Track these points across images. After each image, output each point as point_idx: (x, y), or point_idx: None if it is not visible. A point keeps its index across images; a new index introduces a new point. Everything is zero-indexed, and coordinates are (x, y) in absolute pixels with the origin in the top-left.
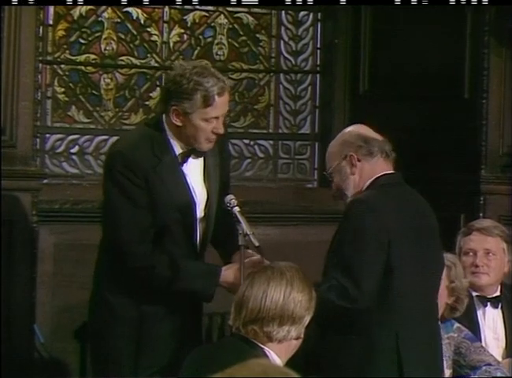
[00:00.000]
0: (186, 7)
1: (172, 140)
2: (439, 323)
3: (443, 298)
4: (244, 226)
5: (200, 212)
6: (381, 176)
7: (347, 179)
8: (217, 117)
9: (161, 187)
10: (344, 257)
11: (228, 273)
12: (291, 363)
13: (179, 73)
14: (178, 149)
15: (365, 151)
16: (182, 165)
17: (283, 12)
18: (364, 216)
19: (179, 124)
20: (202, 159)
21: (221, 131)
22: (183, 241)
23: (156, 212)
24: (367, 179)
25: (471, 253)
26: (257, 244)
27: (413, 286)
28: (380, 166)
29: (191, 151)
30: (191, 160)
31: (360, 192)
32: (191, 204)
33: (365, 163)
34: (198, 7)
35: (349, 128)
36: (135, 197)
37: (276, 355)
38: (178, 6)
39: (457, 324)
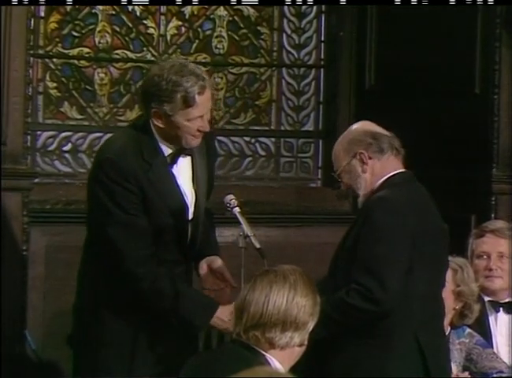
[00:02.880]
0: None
1: (159, 142)
2: (450, 329)
3: (449, 303)
4: (244, 227)
5: (190, 214)
6: (395, 174)
7: (358, 177)
8: (201, 116)
9: (153, 192)
10: (366, 257)
11: (224, 310)
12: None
13: (156, 74)
14: (167, 150)
15: (376, 148)
16: (172, 167)
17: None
18: (388, 215)
19: (161, 126)
20: (190, 160)
21: (207, 129)
22: (174, 245)
23: (150, 218)
24: (379, 178)
25: (484, 256)
26: (258, 246)
27: (428, 287)
28: (391, 163)
29: (180, 151)
30: (180, 160)
31: (372, 191)
32: (183, 207)
33: (375, 160)
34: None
35: (355, 125)
36: (131, 207)
37: (278, 362)
38: (179, 5)
39: (468, 330)
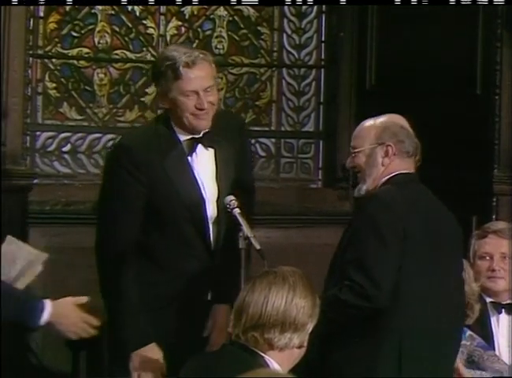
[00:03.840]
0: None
1: (177, 132)
2: None
3: None
4: (245, 228)
5: (213, 209)
6: (398, 173)
7: (375, 167)
8: (195, 92)
9: (167, 181)
10: (360, 255)
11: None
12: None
13: (157, 57)
14: (182, 137)
15: (404, 148)
16: (190, 155)
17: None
18: (380, 213)
19: (166, 106)
20: (212, 153)
21: (204, 105)
22: (195, 241)
23: (164, 209)
24: (388, 174)
25: (487, 257)
26: (258, 247)
27: (422, 289)
28: (407, 165)
29: (196, 139)
30: (200, 152)
31: (376, 186)
32: (199, 200)
33: (397, 158)
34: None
35: (391, 116)
36: (130, 197)
37: (277, 364)
38: (179, 5)
39: (469, 332)
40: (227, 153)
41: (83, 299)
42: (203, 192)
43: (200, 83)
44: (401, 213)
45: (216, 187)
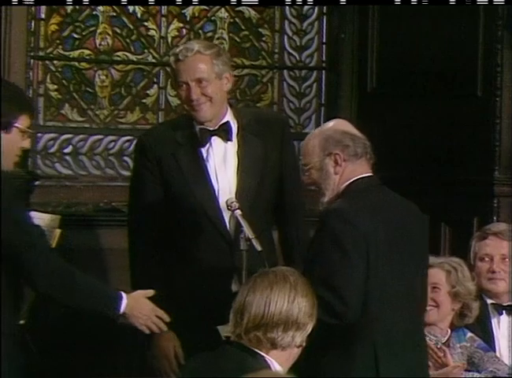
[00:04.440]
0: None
1: (195, 124)
2: (450, 331)
3: (446, 305)
4: (246, 230)
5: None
6: (358, 179)
7: (329, 178)
8: (185, 83)
9: (179, 174)
10: (324, 272)
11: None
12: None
13: None
14: (197, 127)
15: (352, 152)
16: (203, 147)
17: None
18: (341, 228)
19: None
20: (234, 146)
21: (192, 96)
22: (211, 231)
23: (177, 201)
24: (346, 181)
25: (487, 259)
26: (259, 249)
27: (392, 294)
28: (361, 167)
29: (212, 132)
30: (216, 144)
31: (337, 195)
32: (209, 191)
33: (349, 163)
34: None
35: (333, 123)
36: (146, 190)
37: (277, 364)
38: (179, 5)
39: (470, 334)
40: (256, 150)
41: (151, 292)
42: (214, 183)
43: (188, 74)
44: (362, 224)
45: (234, 180)
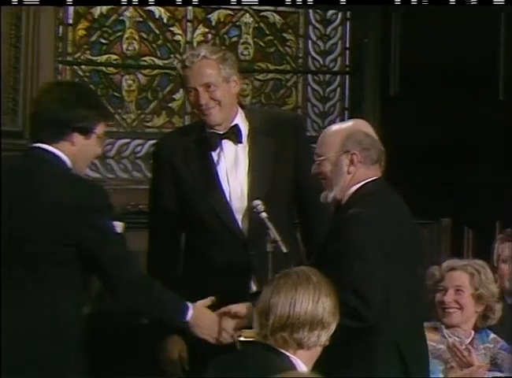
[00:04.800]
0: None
1: (207, 127)
2: (474, 333)
3: (469, 307)
4: (272, 232)
5: (240, 201)
6: (368, 182)
7: (341, 175)
8: (194, 88)
9: (190, 177)
10: (348, 276)
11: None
12: None
13: None
14: (208, 131)
15: (369, 155)
16: (214, 150)
17: (310, 10)
18: (364, 233)
19: None
20: (245, 149)
21: (201, 101)
22: (223, 232)
23: (189, 203)
24: (356, 183)
25: (510, 261)
26: (285, 250)
27: (404, 293)
28: (373, 172)
29: (222, 135)
30: (227, 146)
31: (344, 195)
32: (219, 193)
33: (362, 166)
34: (222, 5)
35: (356, 123)
36: (161, 194)
37: (302, 363)
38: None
39: (492, 335)
40: (268, 150)
41: (209, 301)
42: (226, 186)
43: (196, 80)
44: (383, 227)
45: (246, 181)
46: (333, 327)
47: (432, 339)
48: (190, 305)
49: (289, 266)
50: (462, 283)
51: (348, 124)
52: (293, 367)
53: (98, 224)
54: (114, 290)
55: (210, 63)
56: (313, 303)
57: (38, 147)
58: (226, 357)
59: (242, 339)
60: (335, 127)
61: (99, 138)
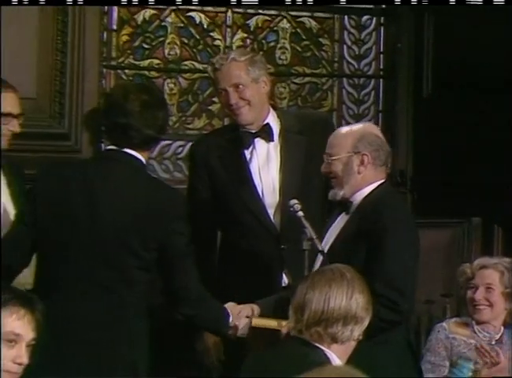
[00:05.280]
0: (249, 11)
1: (240, 127)
2: (503, 328)
3: (499, 305)
4: (308, 230)
5: (273, 197)
6: (382, 183)
7: (352, 175)
8: (224, 89)
9: (223, 175)
10: (389, 269)
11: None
12: None
13: None
14: (241, 130)
15: (378, 157)
16: (247, 148)
17: (346, 16)
18: (399, 226)
19: None
20: (277, 148)
21: (231, 101)
22: (257, 228)
23: (223, 200)
24: (368, 184)
25: None
26: (320, 248)
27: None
28: (381, 174)
29: (255, 134)
30: (259, 145)
31: (353, 193)
32: (251, 189)
33: (372, 167)
34: (261, 11)
35: (367, 126)
36: (197, 191)
37: (337, 357)
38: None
39: None
40: (299, 148)
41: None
42: (258, 183)
43: (225, 81)
44: (413, 226)
45: (277, 177)
46: (366, 323)
47: (463, 333)
48: (229, 310)
49: (325, 263)
50: (492, 281)
51: (358, 126)
52: (328, 361)
53: (183, 231)
54: (178, 299)
55: (239, 65)
56: (346, 299)
57: (117, 150)
58: (264, 352)
59: (253, 324)
60: (345, 129)
61: None
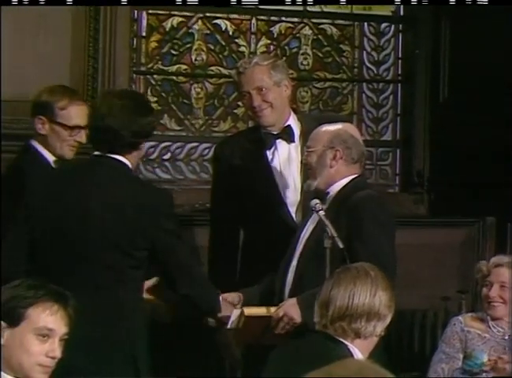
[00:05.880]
0: (272, 18)
1: (262, 129)
2: None
3: None
4: (329, 229)
5: (294, 196)
6: (355, 177)
7: (324, 167)
8: (247, 92)
9: (246, 171)
10: (374, 250)
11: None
12: None
13: None
14: (262, 131)
15: (350, 155)
16: (269, 149)
17: (365, 23)
18: (382, 211)
19: None
20: (297, 148)
21: (254, 103)
22: (280, 226)
23: (246, 198)
24: (342, 177)
25: None
26: (341, 246)
27: None
28: (355, 170)
29: (276, 135)
30: (281, 146)
31: (328, 186)
32: (272, 187)
33: (343, 163)
34: (284, 19)
35: (346, 126)
36: (220, 189)
37: (359, 352)
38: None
39: None
40: None
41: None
42: (280, 182)
43: (248, 84)
44: (386, 209)
45: (298, 177)
46: (388, 319)
47: (478, 327)
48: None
49: (346, 261)
50: (506, 279)
51: (338, 125)
52: (351, 355)
53: (172, 228)
54: (173, 280)
55: (262, 69)
56: (370, 296)
57: (101, 155)
58: (289, 345)
59: (246, 314)
60: (326, 126)
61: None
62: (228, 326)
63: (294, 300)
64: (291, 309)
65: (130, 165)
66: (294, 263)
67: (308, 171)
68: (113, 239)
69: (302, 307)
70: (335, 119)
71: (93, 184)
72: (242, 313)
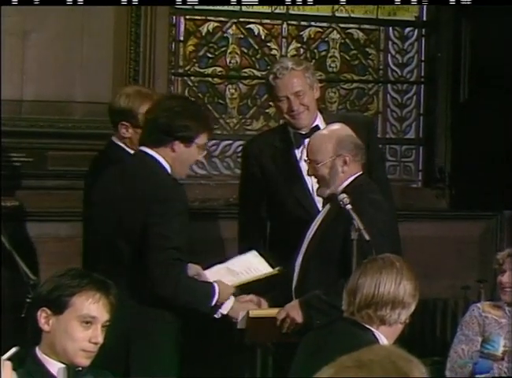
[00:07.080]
0: (302, 23)
1: (289, 127)
2: None
3: None
4: (356, 222)
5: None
6: (358, 176)
7: (337, 175)
8: (285, 97)
9: (275, 170)
10: (380, 237)
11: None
12: None
13: None
14: (292, 131)
15: (356, 156)
16: (298, 148)
17: (390, 28)
18: (386, 209)
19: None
20: None
21: (294, 108)
22: (308, 222)
23: (274, 191)
24: (348, 177)
25: None
26: (367, 238)
27: None
28: (358, 167)
29: (305, 135)
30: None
31: (338, 187)
32: (299, 182)
33: (352, 164)
34: (313, 23)
35: (340, 128)
36: (248, 183)
37: (385, 338)
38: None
39: None
40: None
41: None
42: (308, 179)
43: (287, 89)
44: (381, 199)
45: None
46: (413, 308)
47: (495, 314)
48: (215, 292)
49: (371, 252)
50: None
51: (332, 129)
52: (376, 341)
53: (163, 213)
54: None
55: (298, 73)
56: (395, 285)
57: (142, 151)
58: (316, 332)
59: (251, 315)
60: (323, 134)
61: (199, 147)
62: (238, 326)
63: (296, 302)
64: (292, 310)
65: (163, 161)
66: (299, 260)
67: (319, 181)
68: (122, 228)
69: (304, 308)
70: (360, 118)
71: (122, 177)
72: (247, 314)
